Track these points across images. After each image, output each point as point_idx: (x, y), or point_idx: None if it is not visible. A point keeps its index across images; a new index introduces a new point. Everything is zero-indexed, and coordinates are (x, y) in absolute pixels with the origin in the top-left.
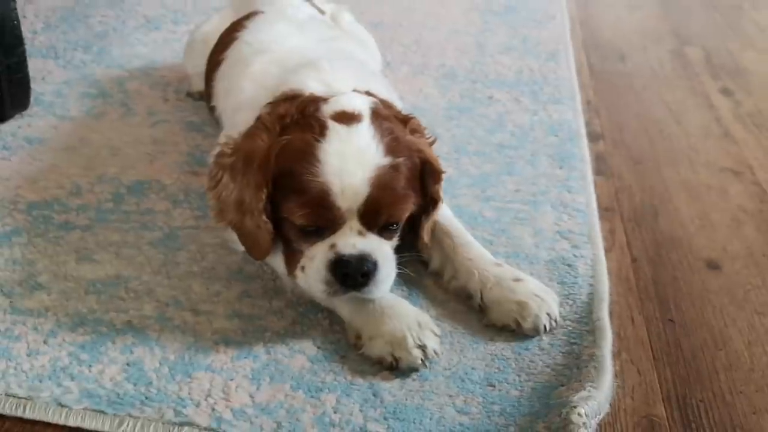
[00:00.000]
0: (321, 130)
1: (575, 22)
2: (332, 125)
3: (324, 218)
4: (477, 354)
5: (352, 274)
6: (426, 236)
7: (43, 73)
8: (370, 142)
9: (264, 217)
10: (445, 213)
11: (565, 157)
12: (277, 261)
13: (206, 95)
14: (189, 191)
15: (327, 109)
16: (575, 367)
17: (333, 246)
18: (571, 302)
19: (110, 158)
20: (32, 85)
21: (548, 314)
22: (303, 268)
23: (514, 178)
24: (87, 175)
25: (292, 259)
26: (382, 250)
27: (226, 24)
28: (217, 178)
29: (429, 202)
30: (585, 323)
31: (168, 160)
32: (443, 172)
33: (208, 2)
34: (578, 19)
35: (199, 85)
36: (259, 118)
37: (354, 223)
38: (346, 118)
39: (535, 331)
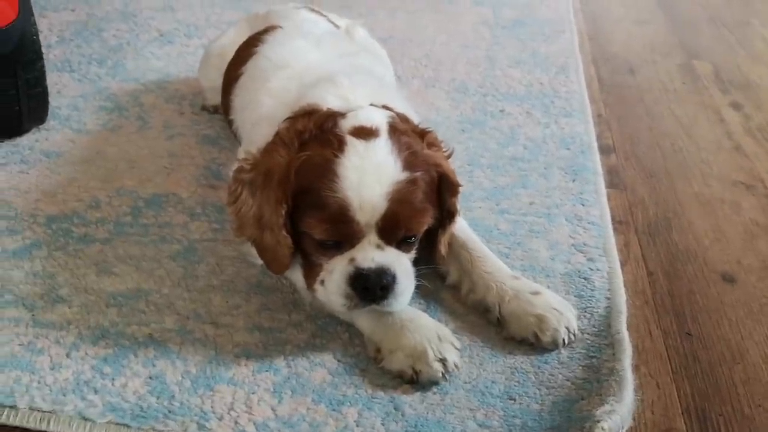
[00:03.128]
0: (339, 145)
1: (584, 36)
2: (350, 140)
3: (343, 233)
4: (497, 367)
5: (371, 287)
6: (443, 249)
7: (59, 86)
8: (388, 157)
9: (283, 232)
10: (462, 226)
11: (577, 170)
12: (296, 275)
13: (224, 109)
14: (206, 204)
15: (345, 125)
16: (595, 380)
17: (352, 260)
18: (588, 315)
19: (128, 171)
20: (49, 99)
21: (567, 327)
22: (322, 281)
23: (528, 191)
24: (105, 188)
25: (311, 273)
26: (401, 264)
27: (242, 38)
28: (237, 194)
29: (446, 215)
30: (604, 336)
31: (185, 173)
32: (460, 186)
33: (220, 16)
34: (587, 33)
35: (214, 98)
36: (277, 134)
37: (373, 237)
38: (364, 133)
39: (554, 345)
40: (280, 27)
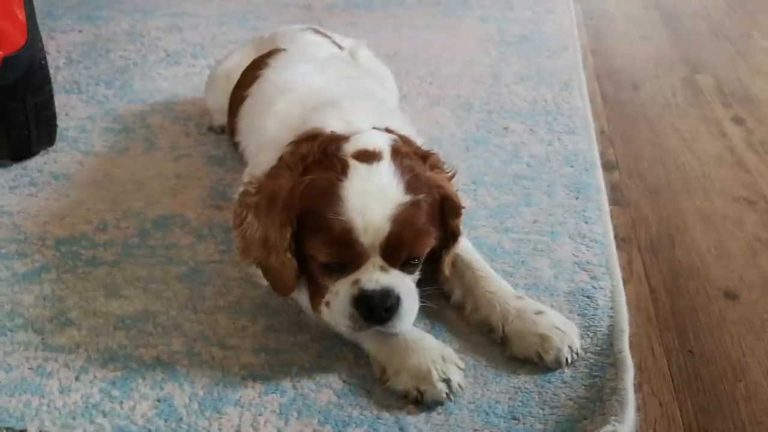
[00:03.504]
0: (343, 168)
1: (588, 52)
2: (353, 164)
3: (347, 255)
4: (500, 387)
5: (375, 308)
6: (447, 270)
7: (67, 108)
8: (390, 180)
9: (288, 255)
10: (465, 246)
11: (581, 187)
12: (301, 296)
13: (230, 130)
14: (213, 225)
15: (348, 148)
16: (598, 400)
17: (356, 282)
18: (591, 334)
19: (135, 193)
20: (57, 122)
21: (570, 347)
22: (327, 303)
23: (531, 209)
24: (113, 211)
25: (316, 295)
26: (405, 285)
27: (248, 60)
28: (242, 217)
29: (449, 236)
30: (606, 356)
31: (191, 194)
32: (463, 207)
33: (226, 36)
34: (591, 48)
35: (220, 119)
36: (281, 158)
37: (376, 259)
38: (367, 156)
39: (558, 364)
40: (285, 50)
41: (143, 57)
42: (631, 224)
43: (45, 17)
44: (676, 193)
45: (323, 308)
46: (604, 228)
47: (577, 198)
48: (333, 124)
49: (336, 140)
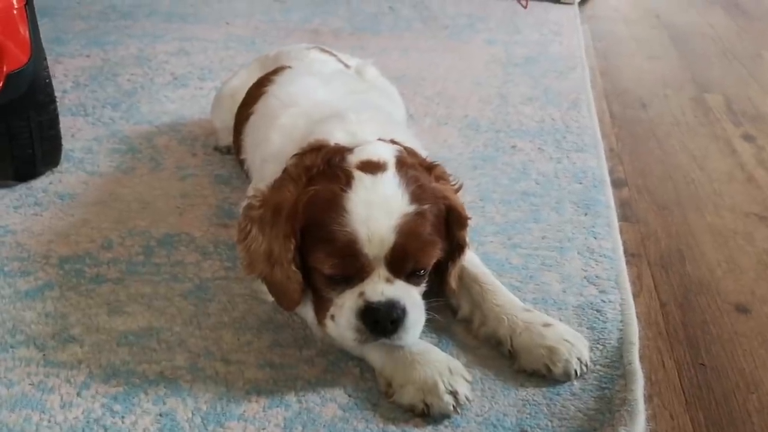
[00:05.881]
0: (347, 179)
1: (595, 72)
2: (358, 175)
3: (352, 267)
4: (508, 400)
5: (381, 321)
6: (453, 282)
7: (73, 130)
8: (395, 191)
9: (293, 268)
10: (472, 259)
11: (590, 203)
12: (307, 310)
13: (235, 148)
14: (218, 243)
15: (352, 159)
16: (607, 411)
17: (362, 294)
18: (601, 347)
19: (140, 212)
20: (62, 142)
21: (578, 359)
22: (332, 316)
23: (540, 225)
24: (118, 229)
25: (321, 308)
26: (411, 297)
27: (253, 79)
28: (246, 231)
29: (455, 248)
30: (616, 368)
31: (197, 212)
32: (469, 218)
33: (234, 59)
34: (598, 68)
35: (226, 139)
36: (285, 170)
37: (382, 271)
38: (372, 167)
39: (566, 376)
40: (290, 67)
41: (150, 80)
42: (640, 240)
43: (53, 42)
44: (685, 209)
45: (328, 321)
46: (614, 243)
47: (585, 214)
48: (337, 136)
49: (340, 151)
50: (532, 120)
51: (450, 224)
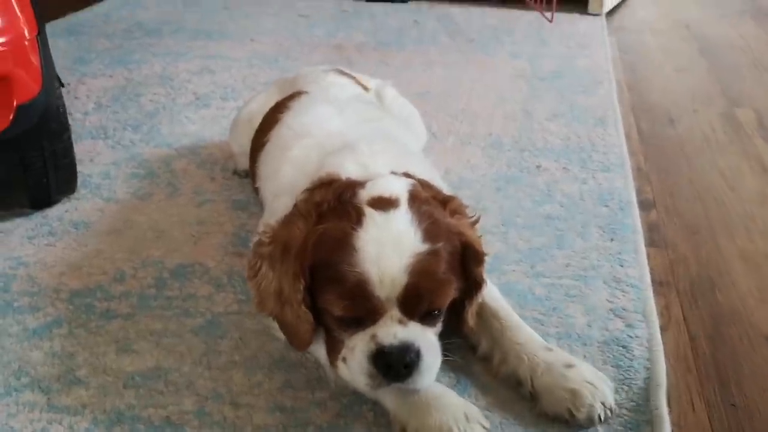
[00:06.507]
0: (357, 217)
1: (623, 87)
2: (369, 212)
3: (363, 308)
4: None
5: (394, 365)
6: (471, 321)
7: (92, 154)
8: (408, 228)
9: (303, 308)
10: (492, 294)
11: (616, 228)
12: (319, 350)
13: (251, 175)
14: (232, 274)
15: (364, 195)
16: None
17: (374, 336)
18: (626, 388)
19: (155, 241)
20: (80, 167)
21: (603, 403)
22: (344, 359)
23: (564, 252)
24: (131, 260)
25: (333, 349)
26: (425, 339)
27: (271, 103)
28: (256, 268)
29: (472, 285)
30: (642, 412)
31: (213, 241)
32: (485, 255)
33: (257, 78)
34: (626, 83)
35: (244, 163)
36: (296, 206)
37: (394, 312)
38: (383, 203)
39: (590, 422)
40: (306, 93)
41: (172, 100)
42: (669, 266)
43: (76, 62)
44: (716, 233)
45: (340, 364)
46: (641, 271)
47: (612, 239)
48: (349, 169)
49: (351, 186)
50: (557, 138)
51: (466, 261)
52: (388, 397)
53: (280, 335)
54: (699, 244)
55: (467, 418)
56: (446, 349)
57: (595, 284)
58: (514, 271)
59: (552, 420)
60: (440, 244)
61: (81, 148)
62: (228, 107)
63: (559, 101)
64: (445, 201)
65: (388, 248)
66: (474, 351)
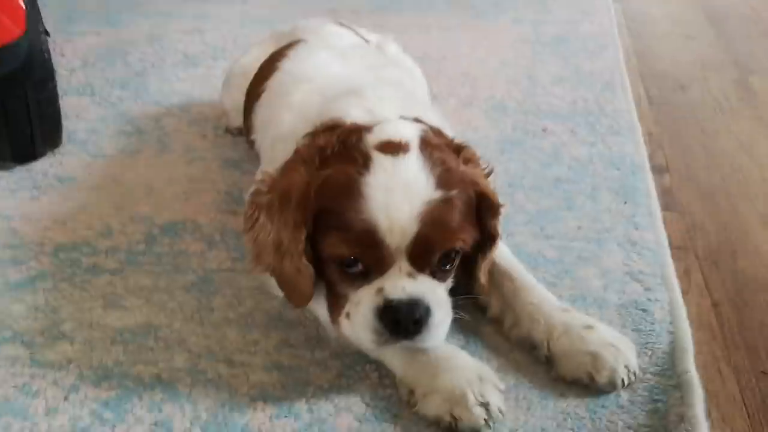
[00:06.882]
0: (364, 162)
1: (629, 52)
2: (377, 156)
3: (370, 258)
4: (546, 412)
5: (402, 321)
6: (483, 277)
7: (78, 110)
8: (418, 174)
9: (304, 260)
10: (503, 253)
11: (629, 191)
12: (320, 307)
13: (245, 128)
14: (225, 231)
15: (371, 139)
16: (662, 428)
17: (380, 290)
18: (649, 352)
19: (144, 197)
20: (66, 123)
21: (626, 366)
22: (348, 315)
23: (574, 214)
24: (118, 215)
25: (336, 305)
26: (436, 294)
27: (266, 55)
28: (253, 219)
29: (486, 238)
30: (669, 377)
31: (204, 198)
32: (501, 206)
33: (248, 39)
34: (632, 49)
35: (237, 120)
36: (297, 151)
37: (403, 264)
38: (392, 148)
39: (612, 386)
40: (305, 41)
41: (161, 59)
42: (686, 231)
43: (63, 21)
44: (734, 198)
45: (343, 320)
46: (657, 235)
47: (624, 202)
48: (354, 114)
49: (357, 131)
50: (563, 101)
51: (480, 212)
52: (394, 357)
53: (278, 292)
54: (717, 210)
55: (481, 379)
56: (455, 308)
57: (609, 247)
58: (522, 232)
59: (570, 384)
60: (454, 192)
61: (67, 104)
62: (218, 67)
63: (564, 66)
64: (458, 148)
65: (397, 195)
66: (484, 312)
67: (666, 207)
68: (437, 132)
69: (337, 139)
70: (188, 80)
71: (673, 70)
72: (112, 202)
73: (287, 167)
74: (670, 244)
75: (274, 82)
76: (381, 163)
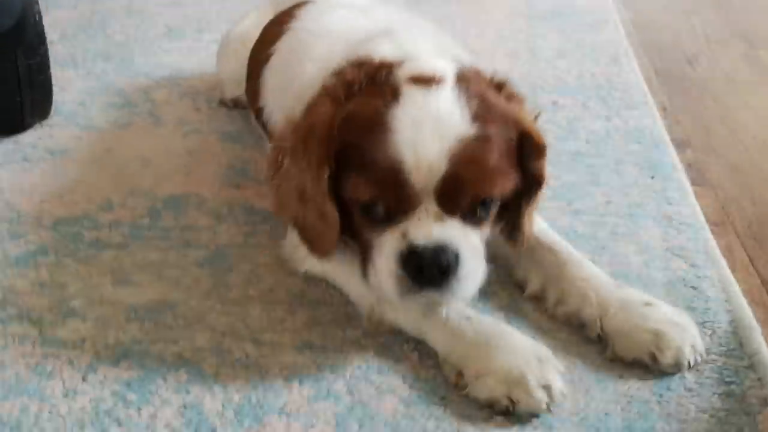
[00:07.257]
0: (393, 94)
1: (630, 26)
2: (407, 89)
3: (392, 199)
4: (607, 395)
5: (426, 268)
6: (527, 228)
7: (63, 82)
8: (452, 108)
9: (328, 203)
10: (542, 227)
11: (654, 165)
12: (345, 269)
13: (251, 97)
14: (233, 205)
15: (402, 73)
16: (742, 413)
17: (405, 234)
18: (709, 332)
19: (141, 170)
20: (53, 91)
21: (692, 346)
22: (373, 263)
23: (601, 189)
24: (117, 189)
25: (364, 255)
26: (467, 241)
27: (266, 21)
28: (277, 165)
29: (531, 182)
30: (738, 357)
31: (206, 172)
32: (547, 146)
33: (230, 14)
34: (633, 22)
35: (234, 91)
36: (323, 87)
37: (431, 206)
38: (425, 80)
39: (677, 367)
40: (312, 2)
41: (143, 32)
42: (720, 207)
43: None
44: (765, 172)
45: (370, 270)
46: (692, 210)
47: (652, 177)
48: (384, 50)
49: (388, 65)
50: (570, 75)
51: (523, 154)
52: (436, 334)
53: (299, 266)
54: (749, 184)
55: (540, 360)
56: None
57: (644, 222)
58: (548, 207)
59: (628, 365)
60: (492, 130)
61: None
62: (205, 39)
63: (565, 40)
64: (500, 85)
65: (427, 129)
66: (522, 290)
67: (693, 182)
68: (476, 70)
69: (365, 74)
70: (174, 52)
71: (677, 43)
72: (109, 174)
73: (312, 104)
74: (707, 219)
75: (286, 43)
76: (411, 95)
